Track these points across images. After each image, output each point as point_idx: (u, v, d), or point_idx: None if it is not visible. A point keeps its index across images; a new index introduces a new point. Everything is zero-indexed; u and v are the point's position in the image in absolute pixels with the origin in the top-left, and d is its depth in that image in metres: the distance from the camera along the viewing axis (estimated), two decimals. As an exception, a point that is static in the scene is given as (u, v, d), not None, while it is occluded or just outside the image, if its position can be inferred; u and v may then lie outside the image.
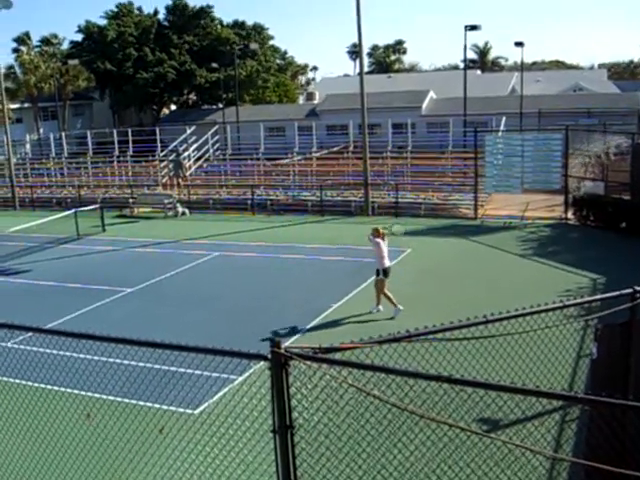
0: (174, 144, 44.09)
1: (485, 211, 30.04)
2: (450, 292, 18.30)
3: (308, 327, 15.90)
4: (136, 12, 63.70)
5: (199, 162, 43.22)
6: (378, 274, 16.67)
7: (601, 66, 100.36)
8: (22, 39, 61.63)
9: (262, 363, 5.08)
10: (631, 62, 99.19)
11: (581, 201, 26.80)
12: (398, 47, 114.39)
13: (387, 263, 16.72)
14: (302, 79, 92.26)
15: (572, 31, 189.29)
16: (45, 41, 64.53)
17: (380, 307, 16.67)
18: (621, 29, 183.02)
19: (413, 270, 19.87)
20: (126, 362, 9.31)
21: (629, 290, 6.18)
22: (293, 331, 15.42)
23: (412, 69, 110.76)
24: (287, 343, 4.95)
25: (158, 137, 45.37)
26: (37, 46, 62.98)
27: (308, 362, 4.87)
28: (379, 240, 16.68)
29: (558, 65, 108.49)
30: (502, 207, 30.34)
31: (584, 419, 8.30)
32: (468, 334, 5.55)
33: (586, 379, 10.92)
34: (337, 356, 5.07)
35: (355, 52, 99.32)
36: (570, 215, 27.29)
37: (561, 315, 6.27)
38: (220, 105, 58.13)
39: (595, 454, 5.93)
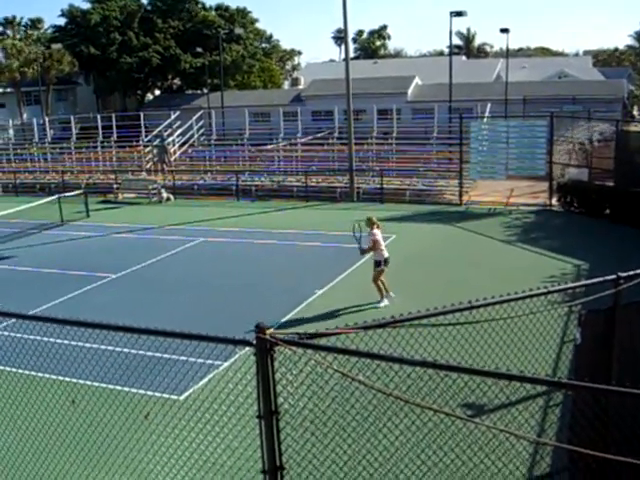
0: (158, 129, 43.83)
1: (470, 197, 30.12)
2: (435, 278, 18.35)
3: (293, 313, 15.90)
4: (120, -4, 63.00)
5: (184, 147, 43.02)
6: (378, 265, 16.17)
7: (586, 53, 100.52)
8: (10, 21, 61.10)
9: (247, 349, 5.06)
10: (616, 49, 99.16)
11: (565, 187, 26.93)
12: (382, 32, 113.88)
13: (386, 253, 16.31)
14: (289, 64, 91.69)
15: (557, 18, 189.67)
16: (30, 25, 63.81)
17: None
18: (606, 16, 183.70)
19: (398, 256, 19.86)
20: (111, 348, 9.30)
21: (613, 276, 6.20)
22: (278, 317, 15.37)
23: (397, 55, 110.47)
24: (272, 329, 4.93)
25: (142, 122, 45.06)
26: (22, 29, 62.35)
27: (293, 348, 4.87)
28: (376, 231, 16.25)
29: (543, 52, 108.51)
30: (487, 193, 30.43)
31: (568, 404, 8.35)
32: (453, 320, 5.57)
33: (570, 364, 10.99)
34: (322, 342, 5.07)
35: (340, 37, 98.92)
36: (554, 201, 27.43)
37: (545, 301, 6.29)
38: (205, 90, 57.74)
39: (579, 439, 5.98)
